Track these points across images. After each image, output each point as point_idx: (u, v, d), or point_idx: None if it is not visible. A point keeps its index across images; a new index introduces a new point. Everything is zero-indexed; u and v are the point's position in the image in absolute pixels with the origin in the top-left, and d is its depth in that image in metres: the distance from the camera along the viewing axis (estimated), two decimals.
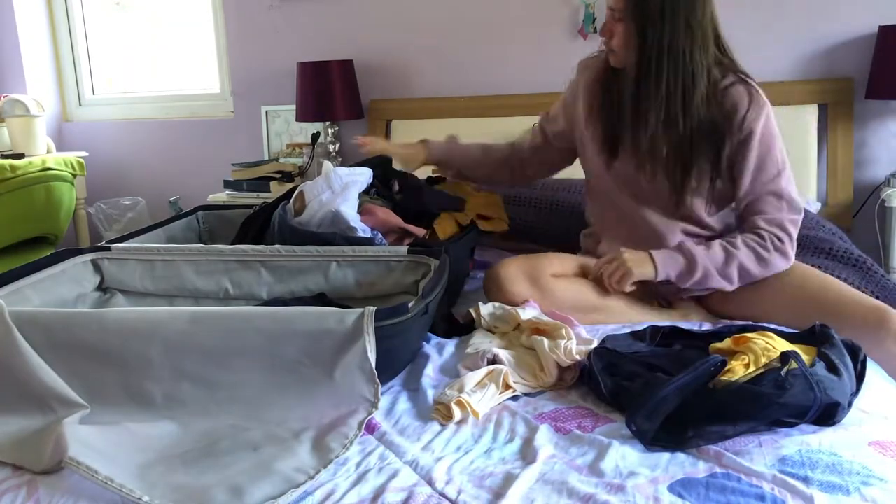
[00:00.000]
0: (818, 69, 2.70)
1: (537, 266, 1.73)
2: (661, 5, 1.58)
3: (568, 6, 2.93)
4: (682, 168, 1.68)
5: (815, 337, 1.35)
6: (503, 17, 3.01)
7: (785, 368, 1.17)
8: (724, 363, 1.22)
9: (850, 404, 1.21)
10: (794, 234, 1.68)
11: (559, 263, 1.78)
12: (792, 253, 1.68)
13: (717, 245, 1.67)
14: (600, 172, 1.84)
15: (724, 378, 1.20)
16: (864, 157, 2.71)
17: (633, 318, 1.71)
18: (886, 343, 1.51)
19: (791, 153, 2.59)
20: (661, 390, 1.17)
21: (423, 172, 2.18)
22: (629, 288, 1.67)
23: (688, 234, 1.78)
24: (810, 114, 2.65)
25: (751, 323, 1.57)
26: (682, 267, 1.65)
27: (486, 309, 1.67)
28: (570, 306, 1.68)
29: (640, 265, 1.66)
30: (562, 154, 2.01)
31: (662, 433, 1.15)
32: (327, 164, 1.95)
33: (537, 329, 1.54)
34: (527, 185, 2.20)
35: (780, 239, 1.66)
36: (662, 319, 1.70)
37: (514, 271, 1.72)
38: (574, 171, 2.66)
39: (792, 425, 1.17)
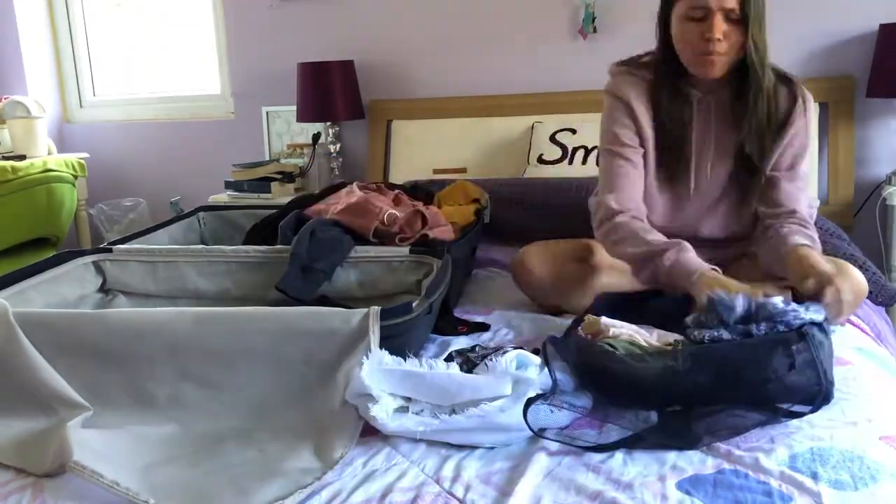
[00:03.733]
0: (819, 67, 2.70)
1: (560, 251, 1.80)
2: (762, 5, 1.57)
3: (568, 6, 2.93)
4: (762, 149, 1.66)
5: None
6: (503, 17, 3.02)
7: (796, 345, 1.16)
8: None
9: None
10: None
11: (580, 249, 1.83)
12: None
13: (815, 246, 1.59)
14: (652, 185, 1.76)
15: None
16: (866, 156, 2.71)
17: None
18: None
19: None
20: None
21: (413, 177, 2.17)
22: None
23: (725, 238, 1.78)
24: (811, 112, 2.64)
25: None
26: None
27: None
28: (590, 289, 1.72)
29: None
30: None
31: (667, 434, 1.14)
32: None
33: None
34: None
35: (812, 218, 1.68)
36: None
37: (537, 258, 1.78)
38: (569, 171, 2.67)
39: (800, 415, 1.17)
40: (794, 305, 1.27)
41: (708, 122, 1.70)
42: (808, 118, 1.69)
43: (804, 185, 1.70)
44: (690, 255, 1.53)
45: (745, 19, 1.55)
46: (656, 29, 1.70)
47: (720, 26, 1.55)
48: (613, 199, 1.68)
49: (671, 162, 1.71)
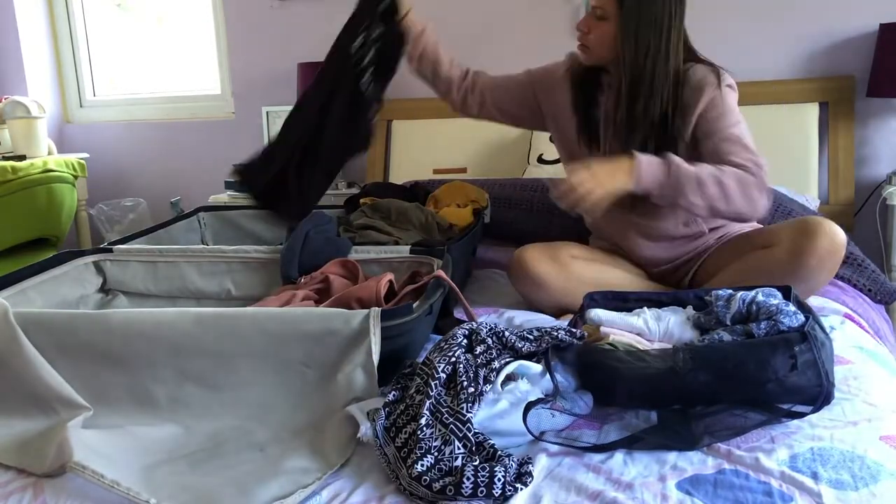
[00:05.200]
0: (819, 67, 2.70)
1: (557, 247, 1.84)
2: (653, 15, 1.64)
3: (568, 5, 2.93)
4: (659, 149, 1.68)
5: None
6: (503, 16, 3.02)
7: (797, 347, 1.17)
8: None
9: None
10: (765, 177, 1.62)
11: (576, 248, 1.88)
12: (765, 192, 1.60)
13: (703, 165, 1.61)
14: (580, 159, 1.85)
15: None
16: (866, 156, 2.72)
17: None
18: (813, 244, 1.57)
19: (792, 151, 2.62)
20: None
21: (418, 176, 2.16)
22: (601, 208, 1.57)
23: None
24: (811, 112, 2.65)
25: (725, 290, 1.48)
26: (661, 174, 1.57)
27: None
28: (588, 283, 1.73)
29: (612, 178, 1.55)
30: (522, 105, 2.02)
31: (667, 434, 1.14)
32: None
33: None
34: (463, 111, 2.10)
35: (758, 167, 1.60)
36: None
37: (536, 253, 1.80)
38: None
39: (801, 415, 1.17)
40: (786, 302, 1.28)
41: (612, 100, 1.78)
42: (720, 93, 1.67)
43: (731, 143, 1.64)
44: None
45: (622, 20, 1.65)
46: None
47: (586, 20, 1.73)
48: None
49: (587, 134, 1.85)
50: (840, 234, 1.59)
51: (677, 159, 1.58)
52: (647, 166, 1.57)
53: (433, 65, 2.03)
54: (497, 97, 2.03)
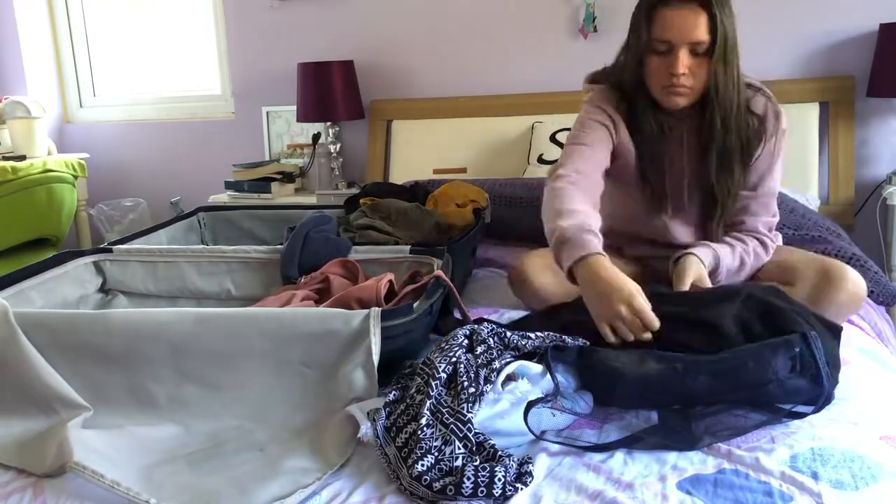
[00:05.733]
0: (819, 67, 2.70)
1: None
2: (732, 35, 1.57)
3: (568, 6, 2.93)
4: (730, 179, 1.68)
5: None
6: (503, 16, 3.02)
7: (797, 349, 1.17)
8: None
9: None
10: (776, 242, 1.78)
11: None
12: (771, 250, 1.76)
13: (737, 252, 1.68)
14: (635, 196, 1.78)
15: None
16: (866, 155, 2.72)
17: None
18: (834, 295, 1.56)
19: (792, 151, 2.62)
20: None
21: (418, 176, 2.16)
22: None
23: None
24: (812, 112, 2.65)
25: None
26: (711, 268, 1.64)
27: None
28: None
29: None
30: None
31: (667, 434, 1.14)
32: None
33: None
34: None
35: (772, 240, 1.75)
36: None
37: (539, 263, 1.74)
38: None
39: (801, 415, 1.17)
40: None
41: (681, 150, 1.71)
42: (779, 137, 1.70)
43: (768, 199, 1.73)
44: (588, 238, 1.45)
45: (711, 53, 1.55)
46: (622, 52, 1.68)
47: (685, 61, 1.55)
48: (562, 169, 1.65)
49: (649, 188, 1.73)
50: (863, 287, 1.57)
51: (726, 260, 1.65)
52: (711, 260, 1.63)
53: None
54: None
